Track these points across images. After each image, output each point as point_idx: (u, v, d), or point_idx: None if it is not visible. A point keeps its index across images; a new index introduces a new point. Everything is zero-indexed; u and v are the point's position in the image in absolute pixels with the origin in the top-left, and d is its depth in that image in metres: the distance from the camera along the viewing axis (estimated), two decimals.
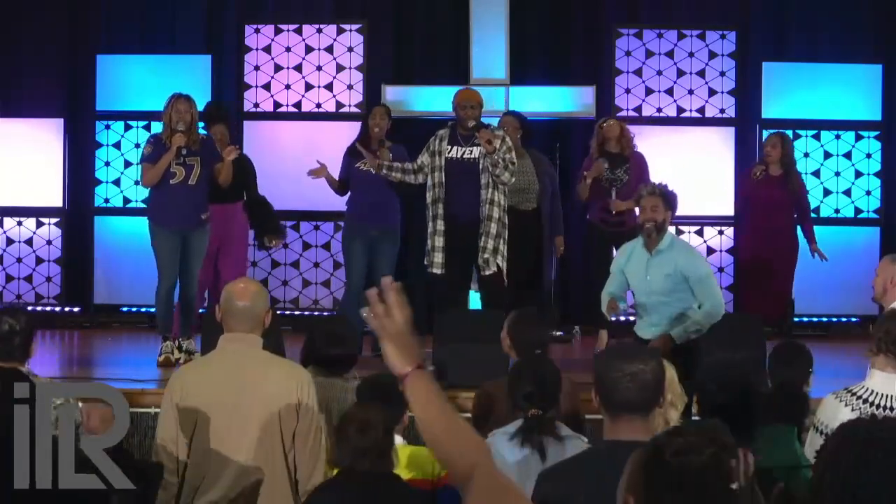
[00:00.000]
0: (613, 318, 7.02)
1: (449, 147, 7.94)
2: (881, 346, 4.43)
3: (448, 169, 7.90)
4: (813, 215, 10.17)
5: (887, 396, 4.39)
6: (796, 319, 9.72)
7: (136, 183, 10.44)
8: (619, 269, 6.79)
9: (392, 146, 8.50)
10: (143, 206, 10.23)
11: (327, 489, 3.93)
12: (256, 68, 10.39)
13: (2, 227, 10.70)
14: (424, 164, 7.99)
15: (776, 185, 8.63)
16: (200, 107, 8.35)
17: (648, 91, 10.32)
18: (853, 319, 10.14)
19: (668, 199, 6.58)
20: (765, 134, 10.21)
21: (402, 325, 2.62)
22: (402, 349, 2.62)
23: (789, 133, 10.26)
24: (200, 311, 8.30)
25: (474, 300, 8.48)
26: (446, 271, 7.92)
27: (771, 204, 8.61)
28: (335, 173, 8.66)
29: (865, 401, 4.39)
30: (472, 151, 7.90)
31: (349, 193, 8.61)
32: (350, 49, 10.35)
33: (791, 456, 4.24)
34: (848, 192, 10.40)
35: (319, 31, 10.39)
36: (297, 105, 10.40)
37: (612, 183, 8.69)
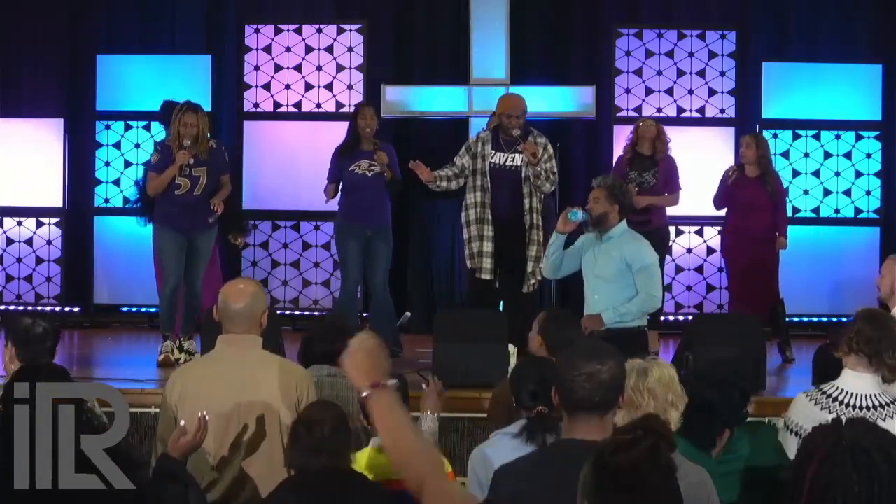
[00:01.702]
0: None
1: (492, 151, 7.94)
2: (852, 345, 4.43)
3: (491, 174, 7.90)
4: (812, 215, 10.20)
5: (858, 395, 4.39)
6: (796, 319, 9.71)
7: (136, 183, 10.45)
8: (578, 245, 6.92)
9: (381, 145, 8.50)
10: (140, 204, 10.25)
11: (285, 489, 3.91)
12: (256, 68, 10.40)
13: (2, 227, 10.70)
14: (466, 167, 7.98)
15: (753, 185, 8.62)
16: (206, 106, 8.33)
17: (648, 91, 10.32)
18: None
19: (613, 193, 6.65)
20: (766, 134, 10.23)
21: (371, 345, 2.76)
22: (363, 368, 2.74)
23: (789, 133, 10.29)
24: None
25: None
26: (492, 277, 7.94)
27: (749, 205, 8.60)
28: (323, 173, 8.66)
29: (836, 400, 4.40)
30: (514, 158, 7.91)
31: (341, 195, 8.59)
32: (350, 49, 10.35)
33: (772, 456, 4.25)
34: (848, 192, 10.40)
35: (319, 31, 10.39)
36: (297, 105, 10.40)
37: (640, 186, 8.66)
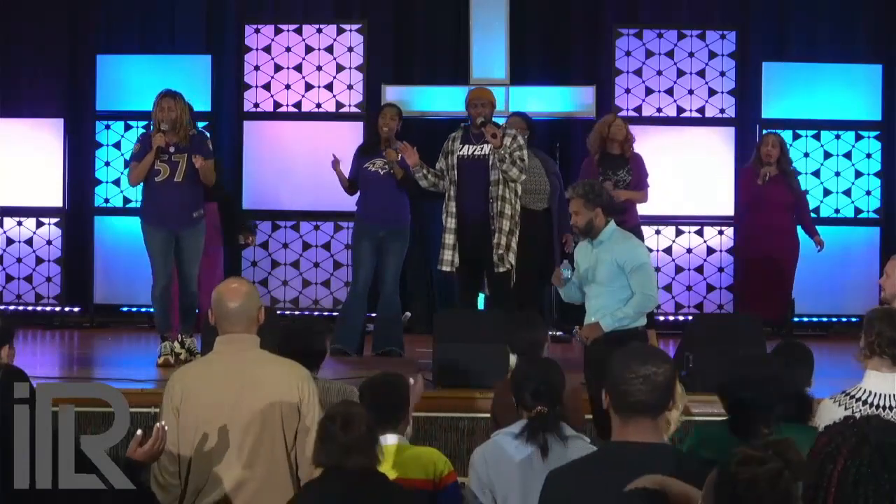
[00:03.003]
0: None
1: (461, 146, 7.94)
2: (874, 349, 4.42)
3: (460, 166, 7.90)
4: (813, 215, 10.19)
5: (884, 396, 4.39)
6: (796, 319, 9.72)
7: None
8: (577, 262, 6.91)
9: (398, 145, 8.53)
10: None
11: (314, 488, 3.90)
12: (256, 68, 10.39)
13: (2, 227, 10.70)
14: (443, 168, 7.98)
15: (776, 185, 8.64)
16: (194, 107, 8.30)
17: (648, 91, 10.31)
18: (853, 319, 10.11)
19: (589, 197, 6.63)
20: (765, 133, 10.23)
21: None
22: None
23: (789, 133, 10.29)
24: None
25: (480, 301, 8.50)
26: (458, 269, 7.90)
27: (773, 204, 8.60)
28: (323, 173, 8.69)
29: (863, 402, 4.39)
30: (482, 149, 7.89)
31: (358, 194, 8.62)
32: (350, 49, 10.34)
33: None
34: (848, 192, 10.40)
35: (319, 31, 10.39)
36: (298, 105, 10.39)
37: (616, 185, 8.67)
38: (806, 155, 10.34)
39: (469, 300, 8.12)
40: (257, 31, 10.43)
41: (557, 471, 3.31)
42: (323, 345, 5.39)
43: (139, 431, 3.99)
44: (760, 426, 4.08)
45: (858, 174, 10.42)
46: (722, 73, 10.30)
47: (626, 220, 8.55)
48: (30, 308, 10.53)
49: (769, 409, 4.13)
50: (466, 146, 7.93)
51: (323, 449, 3.81)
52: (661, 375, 3.16)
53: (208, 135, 8.40)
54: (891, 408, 4.37)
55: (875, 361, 4.44)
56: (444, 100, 10.27)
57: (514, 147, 7.82)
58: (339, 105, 10.30)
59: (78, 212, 10.72)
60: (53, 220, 10.67)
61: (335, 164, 8.53)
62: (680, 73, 10.31)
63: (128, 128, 10.57)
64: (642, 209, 8.89)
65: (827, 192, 10.35)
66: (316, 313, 10.27)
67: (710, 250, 10.30)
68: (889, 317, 4.48)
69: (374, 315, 8.77)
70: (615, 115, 9.08)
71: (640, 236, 8.91)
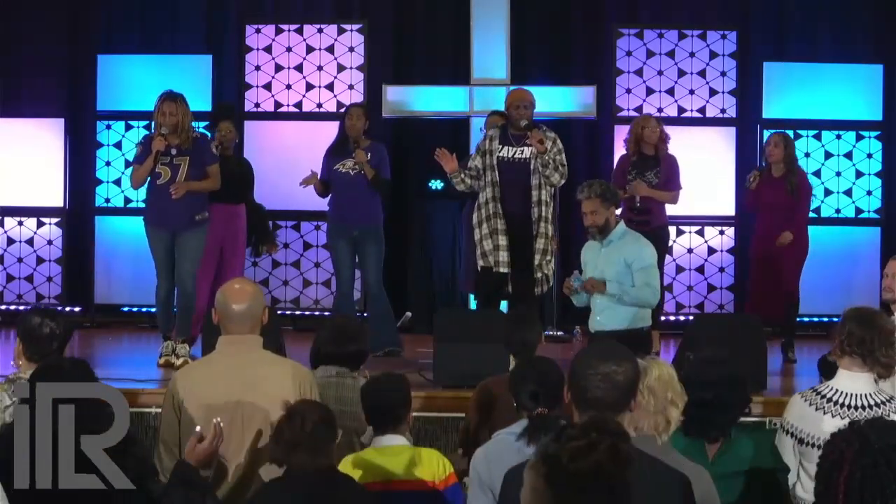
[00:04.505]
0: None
1: (500, 146, 7.92)
2: (845, 348, 4.42)
3: (500, 169, 7.89)
4: (813, 215, 10.15)
5: (853, 395, 4.39)
6: (797, 319, 9.70)
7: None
8: (584, 262, 6.98)
9: (372, 144, 8.51)
10: (143, 206, 10.27)
11: (271, 487, 3.90)
12: (257, 68, 10.40)
13: (2, 227, 10.70)
14: (479, 167, 7.96)
15: (777, 186, 8.61)
16: (195, 106, 8.29)
17: (649, 91, 10.32)
18: None
19: (605, 198, 6.65)
20: (765, 134, 10.22)
21: None
22: None
23: (790, 133, 10.29)
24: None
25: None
26: (484, 272, 7.86)
27: (772, 205, 8.59)
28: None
29: (830, 400, 4.39)
30: (523, 151, 7.89)
31: (330, 195, 8.61)
32: (350, 49, 10.35)
33: (770, 458, 4.29)
34: (849, 192, 10.40)
35: (320, 31, 10.39)
36: (298, 105, 10.40)
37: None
38: (807, 155, 10.34)
39: (499, 297, 8.08)
40: (258, 30, 10.43)
41: (515, 468, 3.32)
42: (367, 345, 5.55)
43: (198, 428, 4.01)
44: (715, 428, 4.13)
45: (859, 174, 10.42)
46: (723, 73, 10.30)
47: (650, 220, 8.56)
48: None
49: (728, 411, 4.16)
50: (506, 148, 7.91)
51: (273, 445, 3.84)
52: (621, 374, 3.17)
53: (209, 135, 8.42)
54: (860, 407, 4.36)
55: (846, 361, 4.44)
56: (444, 100, 10.27)
57: (556, 151, 7.83)
58: (340, 105, 10.29)
59: (79, 212, 10.72)
60: (54, 220, 10.67)
61: (310, 179, 8.54)
62: (681, 73, 10.32)
63: (128, 128, 10.58)
64: None
65: (828, 193, 10.34)
66: (316, 313, 10.27)
67: (711, 250, 10.31)
68: (859, 316, 4.48)
69: (365, 315, 8.79)
70: (650, 118, 9.07)
71: (666, 236, 8.92)
